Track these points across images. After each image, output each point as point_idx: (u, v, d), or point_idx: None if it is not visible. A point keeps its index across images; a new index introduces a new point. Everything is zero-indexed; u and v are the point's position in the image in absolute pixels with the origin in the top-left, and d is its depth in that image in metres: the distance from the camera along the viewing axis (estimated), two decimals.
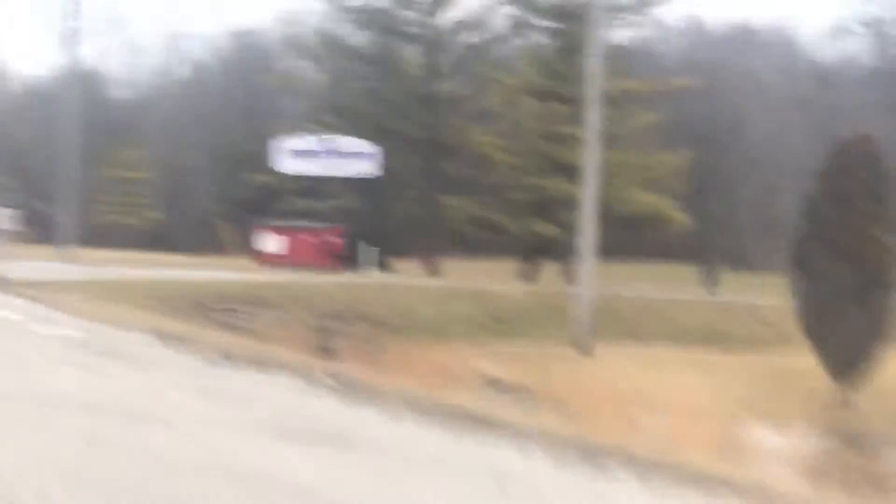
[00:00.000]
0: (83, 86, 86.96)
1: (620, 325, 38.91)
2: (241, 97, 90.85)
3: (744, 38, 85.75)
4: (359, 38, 69.29)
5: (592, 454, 9.63)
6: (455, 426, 10.61)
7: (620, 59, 57.03)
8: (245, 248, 59.16)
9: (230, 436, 9.26)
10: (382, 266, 48.21)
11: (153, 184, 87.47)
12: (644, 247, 72.45)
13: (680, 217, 53.51)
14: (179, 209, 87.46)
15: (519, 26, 59.03)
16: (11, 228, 26.77)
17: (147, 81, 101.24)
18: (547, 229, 52.81)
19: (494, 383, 25.60)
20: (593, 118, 32.27)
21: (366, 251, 39.62)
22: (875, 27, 79.14)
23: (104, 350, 14.65)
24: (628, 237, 64.26)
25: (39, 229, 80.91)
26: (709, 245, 58.29)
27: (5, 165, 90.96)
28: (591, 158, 32.20)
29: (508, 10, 59.67)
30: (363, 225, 55.45)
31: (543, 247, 56.08)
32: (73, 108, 51.86)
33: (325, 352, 27.31)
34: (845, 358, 24.68)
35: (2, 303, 20.92)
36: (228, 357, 14.85)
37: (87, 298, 24.42)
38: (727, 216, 60.91)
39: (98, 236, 79.06)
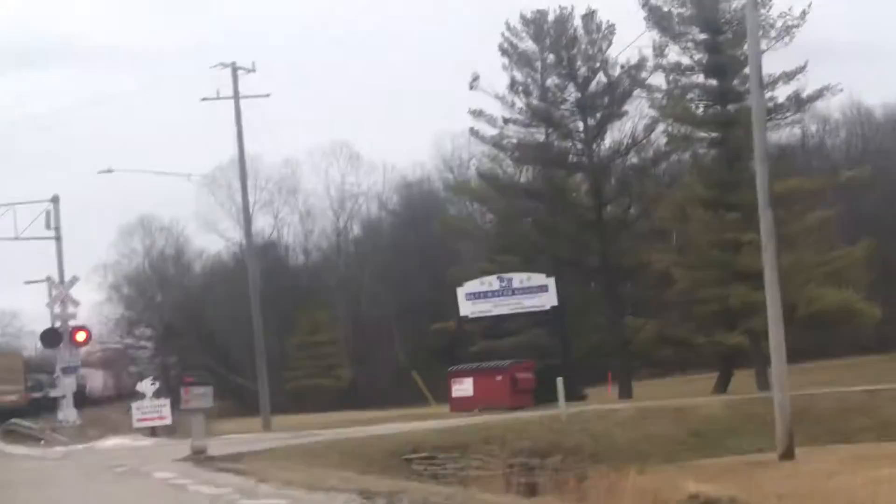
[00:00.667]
0: (263, 257, 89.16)
1: (821, 424, 38.13)
2: (414, 247, 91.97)
3: None
4: (520, 173, 69.93)
5: None
6: None
7: (786, 158, 56.70)
8: (437, 396, 59.53)
9: None
10: (573, 395, 48.05)
11: (340, 343, 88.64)
12: (836, 342, 71.06)
13: (868, 308, 52.32)
14: (369, 365, 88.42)
15: (678, 140, 58.91)
16: (208, 405, 27.40)
17: (322, 243, 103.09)
18: (734, 338, 52.15)
19: (701, 499, 25.27)
20: (766, 222, 31.97)
21: (554, 383, 39.51)
22: None
23: None
24: (819, 335, 63.12)
25: (235, 401, 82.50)
26: None
27: (197, 342, 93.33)
28: (769, 262, 31.84)
29: (666, 125, 59.65)
30: (550, 357, 55.46)
31: (732, 356, 55.35)
32: (255, 281, 53.15)
33: (527, 488, 27.32)
34: None
35: (206, 479, 21.40)
36: None
37: (289, 465, 24.84)
38: None
39: (293, 401, 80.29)
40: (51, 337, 47.39)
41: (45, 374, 75.32)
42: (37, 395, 67.37)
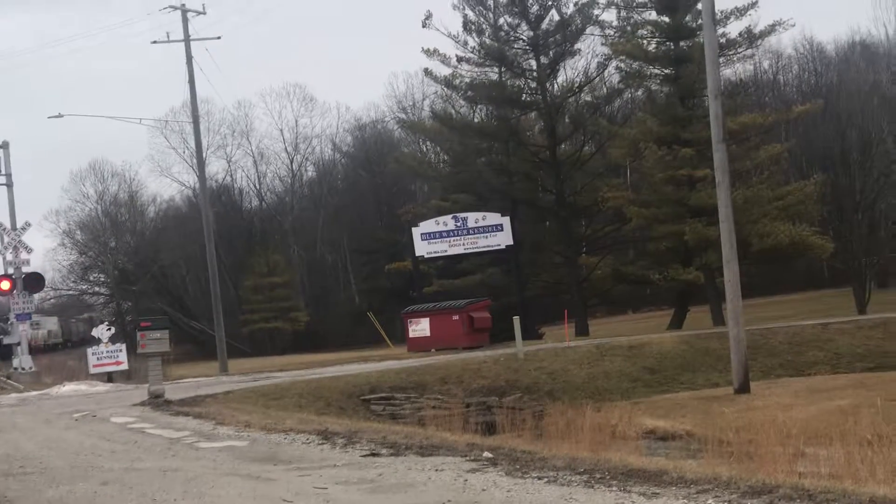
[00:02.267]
0: (217, 201, 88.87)
1: (775, 357, 38.59)
2: (369, 188, 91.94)
3: (863, 54, 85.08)
4: (474, 113, 69.81)
5: (764, 494, 9.62)
6: (623, 484, 10.66)
7: (739, 93, 56.85)
8: (394, 336, 59.65)
9: None
10: (530, 334, 48.23)
11: (296, 286, 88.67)
12: (790, 277, 71.64)
13: (820, 243, 52.67)
14: (325, 307, 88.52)
15: (631, 77, 58.90)
16: (164, 349, 27.29)
17: (276, 186, 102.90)
18: (688, 274, 52.46)
19: (657, 434, 25.51)
20: (720, 157, 32.15)
21: (511, 322, 39.66)
22: None
23: (268, 456, 14.94)
24: (773, 270, 63.55)
25: (192, 346, 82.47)
26: (854, 266, 57.32)
27: (152, 287, 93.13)
28: (723, 197, 32.02)
29: (619, 62, 59.65)
30: (506, 296, 55.62)
31: (687, 292, 55.75)
32: (209, 225, 52.97)
33: (485, 426, 27.44)
34: None
35: (165, 423, 21.41)
36: (390, 446, 15.06)
37: (246, 408, 24.85)
38: (868, 235, 59.71)
39: (251, 345, 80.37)
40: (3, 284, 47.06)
41: None
42: None
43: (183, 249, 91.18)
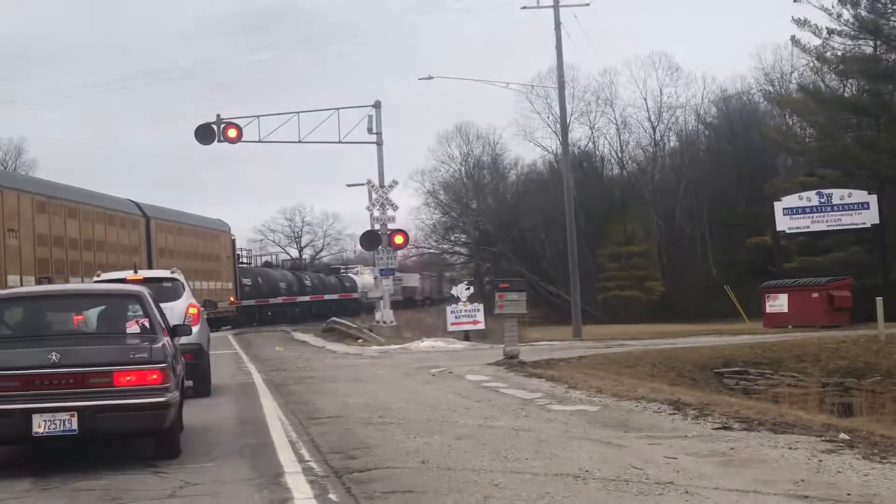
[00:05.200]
0: (578, 167, 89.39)
1: None
2: (731, 161, 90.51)
3: None
4: (844, 87, 67.86)
5: None
6: None
7: None
8: (748, 311, 58.74)
9: (751, 502, 9.32)
10: (892, 316, 46.66)
11: (652, 256, 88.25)
12: None
13: None
14: (680, 278, 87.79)
15: None
16: (521, 311, 27.75)
17: (637, 155, 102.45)
18: None
19: None
20: None
21: (873, 302, 38.39)
22: None
23: (619, 422, 15.00)
24: None
25: (546, 309, 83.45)
26: None
27: (510, 250, 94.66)
28: None
29: None
30: (869, 276, 53.95)
31: None
32: (569, 191, 53.34)
33: (841, 408, 26.77)
34: None
35: (518, 383, 21.75)
36: (743, 421, 14.89)
37: (598, 374, 24.98)
38: None
39: (604, 312, 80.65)
40: (370, 239, 48.74)
41: (276, 269, 74.36)
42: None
43: (543, 214, 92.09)
